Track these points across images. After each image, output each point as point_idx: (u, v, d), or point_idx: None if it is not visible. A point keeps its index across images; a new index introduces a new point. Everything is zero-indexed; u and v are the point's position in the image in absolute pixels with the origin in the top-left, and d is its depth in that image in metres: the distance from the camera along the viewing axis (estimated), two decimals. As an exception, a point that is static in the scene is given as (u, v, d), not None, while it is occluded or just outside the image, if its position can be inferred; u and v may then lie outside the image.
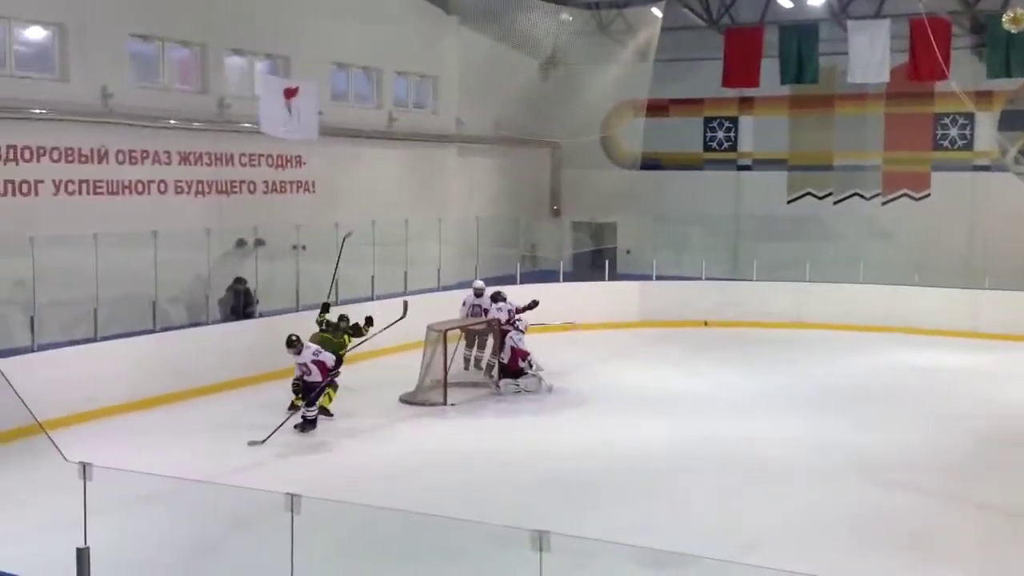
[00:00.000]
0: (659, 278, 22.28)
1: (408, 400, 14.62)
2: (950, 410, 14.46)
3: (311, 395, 12.73)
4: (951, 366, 17.63)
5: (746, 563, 8.15)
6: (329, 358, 12.89)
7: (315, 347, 12.98)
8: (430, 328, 15.18)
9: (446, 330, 14.94)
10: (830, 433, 12.97)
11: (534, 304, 16.24)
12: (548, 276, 22.11)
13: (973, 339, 19.63)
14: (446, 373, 14.65)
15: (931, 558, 8.77)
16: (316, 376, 12.75)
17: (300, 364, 12.83)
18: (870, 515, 9.84)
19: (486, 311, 16.38)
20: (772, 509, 9.98)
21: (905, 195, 24.34)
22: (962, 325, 20.16)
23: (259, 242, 17.21)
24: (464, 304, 16.83)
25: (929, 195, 24.09)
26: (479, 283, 17.06)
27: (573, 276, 23.23)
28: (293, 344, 12.85)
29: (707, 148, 26.46)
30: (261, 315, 16.38)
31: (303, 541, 5.79)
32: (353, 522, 7.48)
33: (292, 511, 5.73)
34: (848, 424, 13.48)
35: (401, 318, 14.53)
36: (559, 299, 19.77)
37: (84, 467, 6.34)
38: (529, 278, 21.37)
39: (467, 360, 16.38)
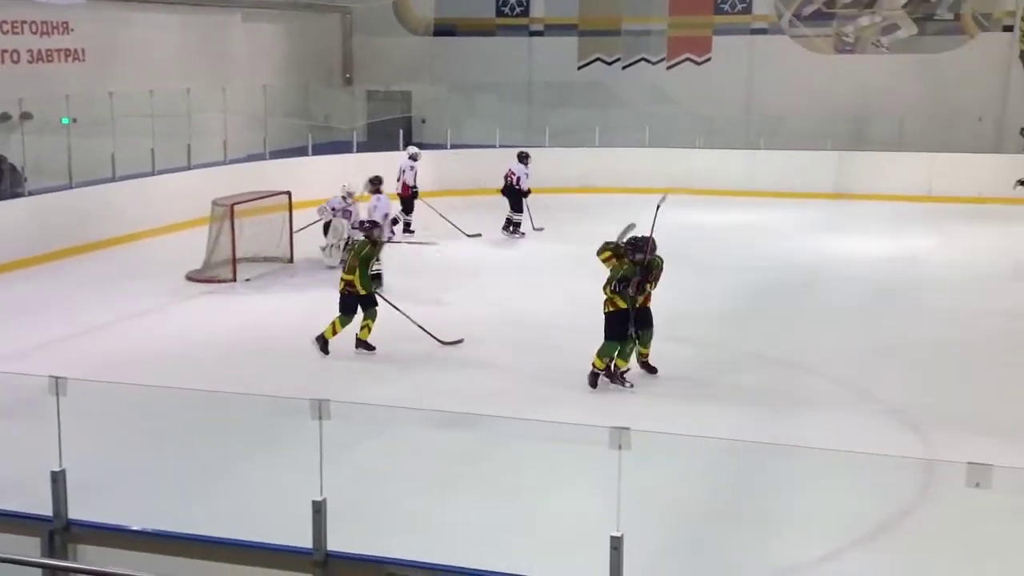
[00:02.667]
0: (454, 147, 22.25)
1: (195, 277, 14.23)
2: (727, 263, 15.28)
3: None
4: (729, 223, 18.53)
5: (532, 418, 8.52)
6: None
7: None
8: (215, 203, 14.71)
9: (233, 204, 14.50)
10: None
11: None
12: (341, 147, 21.67)
13: (750, 197, 20.63)
14: (234, 248, 14.27)
15: (703, 398, 9.35)
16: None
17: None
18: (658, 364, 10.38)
19: (517, 177, 17.32)
20: (559, 368, 10.31)
21: (688, 59, 25.01)
22: (740, 185, 21.13)
23: (25, 115, 16.10)
24: (401, 170, 17.41)
25: (710, 59, 24.84)
26: (412, 148, 17.76)
27: (367, 147, 22.83)
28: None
29: (500, 14, 26.25)
30: (31, 194, 15.43)
31: (71, 425, 5.60)
32: (125, 402, 7.29)
33: (57, 394, 5.51)
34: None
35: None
36: (354, 170, 19.46)
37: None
38: (321, 149, 20.91)
39: None
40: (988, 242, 16.65)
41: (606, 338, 9.65)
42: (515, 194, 17.59)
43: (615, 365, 9.69)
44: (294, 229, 15.33)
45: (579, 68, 25.64)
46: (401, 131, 22.63)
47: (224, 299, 13.32)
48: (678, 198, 20.09)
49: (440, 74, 25.78)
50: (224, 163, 18.72)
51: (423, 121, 25.68)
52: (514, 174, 17.66)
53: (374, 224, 11.14)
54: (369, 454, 7.84)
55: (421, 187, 18.10)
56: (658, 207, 9.75)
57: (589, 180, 21.65)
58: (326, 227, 15.04)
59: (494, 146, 22.15)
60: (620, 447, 5.07)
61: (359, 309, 10.76)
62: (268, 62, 23.69)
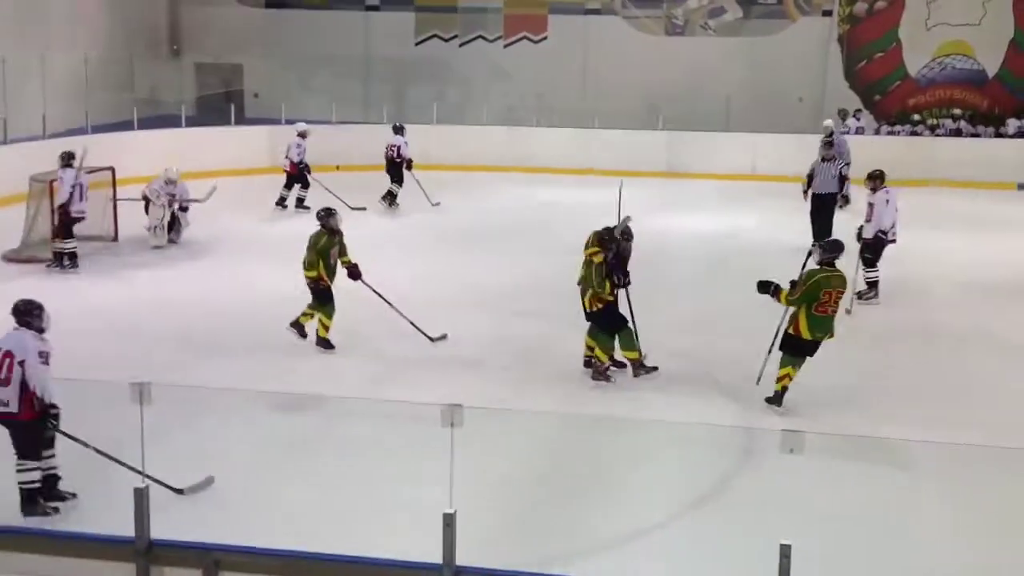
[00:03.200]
0: (289, 122, 21.76)
1: (12, 258, 13.51)
2: (566, 242, 15.49)
3: None
4: (568, 201, 18.78)
5: (374, 397, 8.47)
6: None
7: None
8: (33, 179, 14.00)
9: (51, 181, 13.79)
10: (458, 269, 13.50)
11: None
12: (169, 121, 20.89)
13: (587, 176, 20.95)
14: (54, 226, 13.57)
15: (541, 374, 9.48)
16: None
17: None
18: (497, 342, 10.47)
19: (397, 148, 17.57)
20: (405, 347, 10.25)
21: (525, 38, 25.20)
22: (577, 163, 21.44)
23: None
24: (288, 146, 17.43)
25: (547, 38, 25.10)
26: (302, 124, 17.78)
27: (197, 121, 22.11)
28: None
29: (334, -14, 25.84)
30: None
31: None
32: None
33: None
34: (472, 258, 14.11)
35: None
36: (184, 145, 18.86)
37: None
38: (148, 124, 20.12)
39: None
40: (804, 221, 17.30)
41: (604, 331, 9.30)
42: (396, 166, 17.78)
43: (598, 360, 9.35)
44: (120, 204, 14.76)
45: (416, 44, 25.49)
46: (232, 106, 22.00)
47: (45, 280, 12.68)
48: (516, 176, 20.49)
49: (273, 47, 25.17)
50: (43, 138, 17.79)
51: (255, 96, 25.04)
52: (394, 147, 17.79)
53: (330, 212, 10.26)
54: (195, 437, 7.64)
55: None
56: (620, 192, 9.90)
57: (427, 157, 21.57)
58: (146, 207, 14.58)
59: (330, 122, 21.80)
60: (452, 424, 5.09)
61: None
62: (89, 31, 22.60)
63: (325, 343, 10.07)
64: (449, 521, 4.84)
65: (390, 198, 17.78)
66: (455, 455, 5.08)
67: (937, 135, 22.17)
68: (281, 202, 17.60)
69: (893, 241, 12.11)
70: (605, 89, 23.77)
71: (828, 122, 17.76)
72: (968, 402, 9.00)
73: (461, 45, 25.37)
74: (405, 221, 16.94)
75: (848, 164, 16.32)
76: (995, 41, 22.71)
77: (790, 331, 8.58)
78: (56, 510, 6.58)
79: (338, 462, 7.58)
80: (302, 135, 17.57)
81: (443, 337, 10.29)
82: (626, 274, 9.51)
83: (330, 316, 10.05)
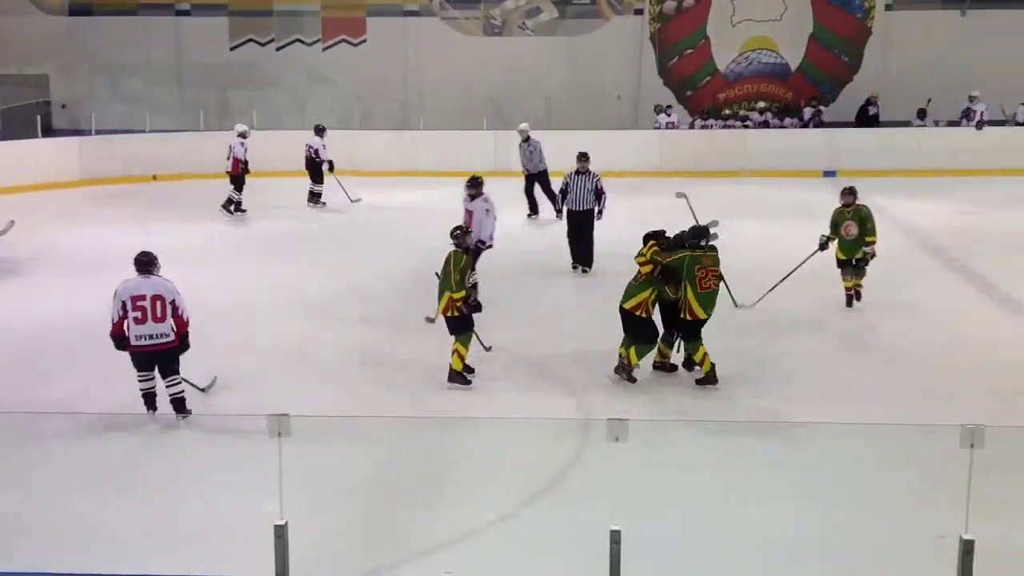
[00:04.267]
0: (99, 132, 20.94)
1: None
2: (396, 242, 15.46)
3: None
4: (394, 203, 18.73)
5: (198, 412, 8.22)
6: None
7: None
8: None
9: None
10: (283, 278, 13.25)
11: None
12: (-30, 136, 19.80)
13: (412, 177, 20.94)
14: None
15: (374, 376, 9.42)
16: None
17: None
18: (325, 347, 10.34)
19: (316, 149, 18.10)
20: (238, 350, 10.03)
21: (344, 41, 24.96)
22: (402, 165, 21.39)
23: None
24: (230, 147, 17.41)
25: (366, 40, 24.92)
26: (241, 126, 17.85)
27: (2, 135, 21.02)
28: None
29: (141, -8, 24.95)
30: None
31: None
32: None
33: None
34: (299, 267, 13.88)
35: None
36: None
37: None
38: (-56, 138, 19.01)
39: None
40: (635, 215, 17.72)
41: (646, 341, 9.23)
42: (316, 166, 18.26)
43: (630, 362, 9.22)
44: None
45: (232, 49, 24.87)
46: (39, 117, 20.97)
47: None
48: (342, 180, 20.30)
49: (79, 56, 24.10)
50: None
51: (63, 106, 23.96)
52: (312, 147, 18.21)
53: (465, 231, 9.61)
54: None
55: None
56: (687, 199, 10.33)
57: (249, 163, 21.10)
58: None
59: (144, 131, 21.08)
60: (280, 434, 5.00)
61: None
62: None
63: (462, 378, 9.23)
64: (280, 533, 4.76)
65: (313, 198, 18.34)
66: (284, 466, 4.99)
67: (747, 127, 23.14)
68: (237, 206, 17.48)
69: (491, 247, 12.14)
70: (427, 90, 23.81)
71: (523, 125, 18.10)
72: (802, 382, 9.40)
73: (278, 49, 24.91)
74: (225, 229, 16.54)
75: (545, 171, 17.06)
76: (796, 36, 23.89)
77: (687, 317, 9.04)
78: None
79: (162, 480, 7.33)
80: (243, 135, 17.73)
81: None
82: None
83: (467, 346, 9.29)
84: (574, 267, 12.03)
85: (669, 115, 22.88)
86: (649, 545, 5.57)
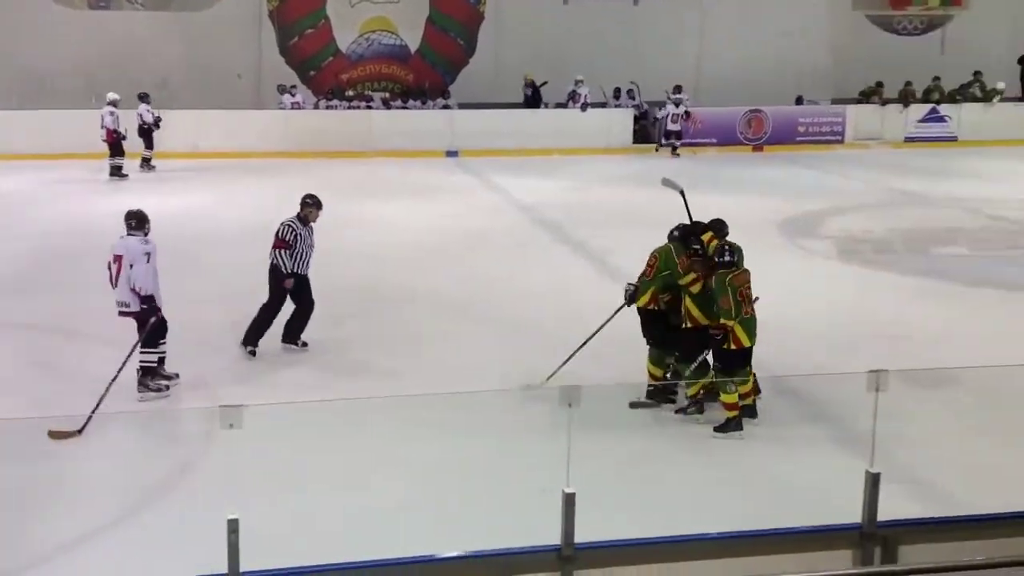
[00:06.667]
0: None
1: None
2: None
3: None
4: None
5: None
6: None
7: None
8: None
9: None
10: None
11: None
12: None
13: (6, 161, 19.33)
14: None
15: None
16: None
17: None
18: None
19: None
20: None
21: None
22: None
23: None
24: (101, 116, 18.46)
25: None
26: (112, 94, 18.64)
27: None
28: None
29: None
30: None
31: None
32: None
33: None
34: None
35: None
36: None
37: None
38: None
39: None
40: (258, 196, 17.35)
41: (691, 359, 8.00)
42: (147, 133, 19.29)
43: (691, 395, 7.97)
44: None
45: None
46: None
47: None
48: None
49: None
50: None
51: None
52: (140, 116, 19.04)
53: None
54: None
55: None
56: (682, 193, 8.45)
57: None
58: None
59: None
60: None
61: None
62: None
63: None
64: None
65: (144, 163, 19.44)
66: None
67: (371, 108, 23.38)
68: (118, 171, 18.60)
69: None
70: (35, 66, 21.93)
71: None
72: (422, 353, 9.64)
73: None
74: None
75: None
76: (414, 18, 24.38)
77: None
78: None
79: None
80: (113, 103, 18.47)
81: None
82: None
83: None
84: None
85: (294, 95, 22.64)
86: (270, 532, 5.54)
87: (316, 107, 23.20)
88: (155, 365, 8.32)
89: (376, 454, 7.31)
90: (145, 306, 8.06)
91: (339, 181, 17.50)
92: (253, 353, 9.30)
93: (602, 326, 8.49)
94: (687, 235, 8.07)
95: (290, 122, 21.99)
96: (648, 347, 8.27)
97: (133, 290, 8.01)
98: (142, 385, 8.24)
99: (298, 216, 9.42)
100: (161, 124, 19.51)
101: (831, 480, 6.70)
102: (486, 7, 24.62)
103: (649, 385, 8.21)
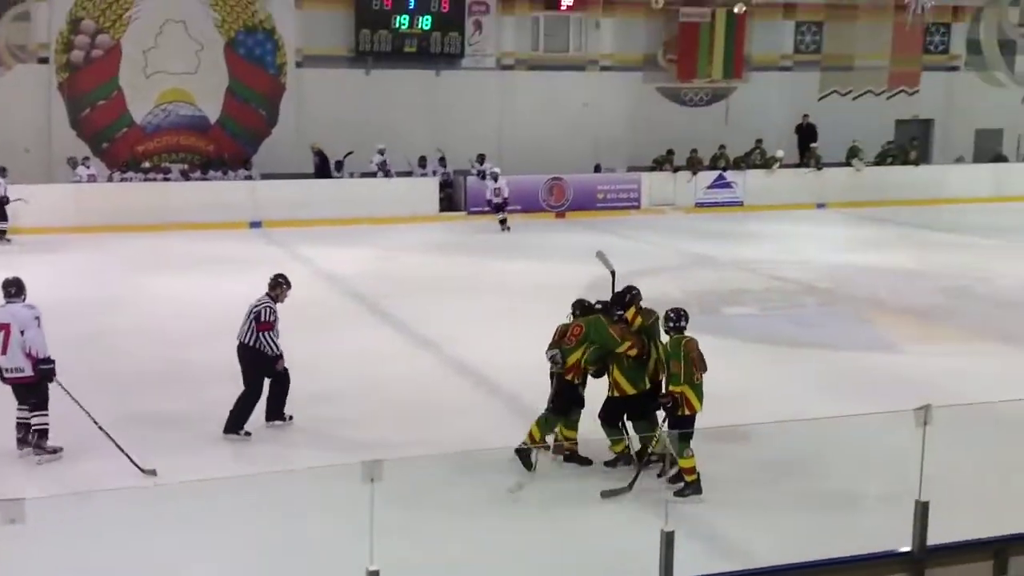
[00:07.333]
0: None
1: None
2: None
3: None
4: None
5: None
6: None
7: None
8: None
9: None
10: None
11: None
12: None
13: None
14: None
15: None
16: None
17: None
18: None
19: None
20: None
21: None
22: None
23: None
24: None
25: None
26: None
27: None
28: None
29: None
30: None
31: None
32: None
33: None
34: None
35: None
36: None
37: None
38: None
39: None
40: (50, 275, 16.55)
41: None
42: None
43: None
44: None
45: None
46: None
47: None
48: None
49: None
50: None
51: None
52: None
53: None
54: None
55: None
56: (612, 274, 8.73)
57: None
58: None
59: None
60: None
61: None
62: None
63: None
64: None
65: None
66: None
67: (168, 179, 22.77)
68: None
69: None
70: None
71: None
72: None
73: None
74: None
75: None
76: (214, 89, 23.93)
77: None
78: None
79: None
80: (2, 171, 19.01)
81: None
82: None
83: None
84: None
85: (88, 167, 21.82)
86: None
87: (110, 179, 22.42)
88: (48, 427, 8.35)
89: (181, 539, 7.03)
90: (43, 367, 8.17)
91: (133, 255, 16.96)
92: (248, 434, 9.23)
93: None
94: (611, 306, 8.36)
95: (81, 196, 21.17)
96: (545, 411, 8.37)
97: (28, 355, 8.11)
98: (38, 448, 8.30)
99: (269, 296, 9.44)
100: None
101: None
102: (287, 78, 24.48)
103: (523, 443, 8.26)
